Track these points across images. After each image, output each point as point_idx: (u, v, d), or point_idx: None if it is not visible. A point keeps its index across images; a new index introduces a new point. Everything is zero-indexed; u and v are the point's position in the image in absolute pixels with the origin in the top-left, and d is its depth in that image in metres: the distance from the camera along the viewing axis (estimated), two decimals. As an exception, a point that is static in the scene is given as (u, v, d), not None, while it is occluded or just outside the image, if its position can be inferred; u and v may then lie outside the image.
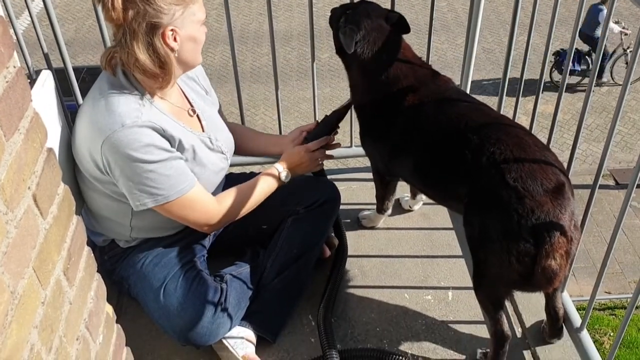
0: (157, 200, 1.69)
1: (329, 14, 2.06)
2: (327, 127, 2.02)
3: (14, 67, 0.97)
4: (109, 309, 1.40)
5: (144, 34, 1.61)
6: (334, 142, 2.07)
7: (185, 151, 1.75)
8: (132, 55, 1.62)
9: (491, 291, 1.76)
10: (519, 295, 2.08)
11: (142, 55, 1.62)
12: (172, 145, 1.71)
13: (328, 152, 2.07)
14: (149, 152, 1.64)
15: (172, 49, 1.66)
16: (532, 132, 1.89)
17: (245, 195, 1.86)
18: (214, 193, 1.87)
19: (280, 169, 1.92)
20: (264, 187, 1.90)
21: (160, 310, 1.82)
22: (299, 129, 2.12)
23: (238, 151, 2.11)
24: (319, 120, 2.09)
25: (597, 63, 1.66)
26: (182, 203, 1.72)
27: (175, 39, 1.65)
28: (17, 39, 1.94)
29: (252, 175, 2.00)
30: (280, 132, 2.60)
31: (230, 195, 1.84)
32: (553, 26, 1.88)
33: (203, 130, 1.87)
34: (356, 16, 1.96)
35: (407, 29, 2.02)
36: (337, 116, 2.04)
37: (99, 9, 1.98)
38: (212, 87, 2.05)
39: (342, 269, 2.15)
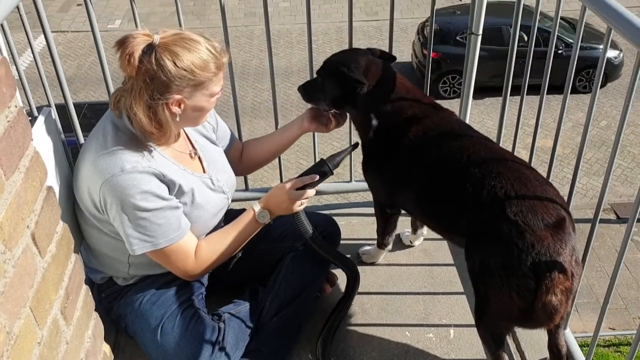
0: (145, 246, 1.68)
1: (322, 65, 2.03)
2: (316, 169, 1.91)
3: (16, 106, 0.98)
4: (106, 348, 1.38)
5: (149, 96, 1.60)
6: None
7: (184, 195, 1.74)
8: (133, 108, 1.62)
9: (492, 326, 1.74)
10: (521, 332, 2.05)
11: (141, 114, 1.62)
12: (171, 191, 1.70)
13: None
14: (145, 199, 1.63)
15: (173, 114, 1.66)
16: (532, 166, 1.89)
17: (225, 242, 1.83)
18: (210, 233, 1.87)
19: (257, 208, 1.85)
20: (244, 232, 1.85)
21: (157, 350, 1.79)
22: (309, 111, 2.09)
23: (258, 161, 2.15)
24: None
25: (595, 87, 1.65)
26: (169, 252, 1.72)
27: (179, 106, 1.65)
28: (19, 77, 1.96)
29: None
30: (280, 165, 2.60)
31: (210, 243, 1.82)
32: (555, 31, 1.88)
33: (204, 172, 1.87)
34: (349, 57, 1.99)
35: (392, 58, 2.07)
36: (333, 161, 1.91)
37: (101, 47, 2.03)
38: (220, 121, 2.03)
39: (348, 304, 2.07)
